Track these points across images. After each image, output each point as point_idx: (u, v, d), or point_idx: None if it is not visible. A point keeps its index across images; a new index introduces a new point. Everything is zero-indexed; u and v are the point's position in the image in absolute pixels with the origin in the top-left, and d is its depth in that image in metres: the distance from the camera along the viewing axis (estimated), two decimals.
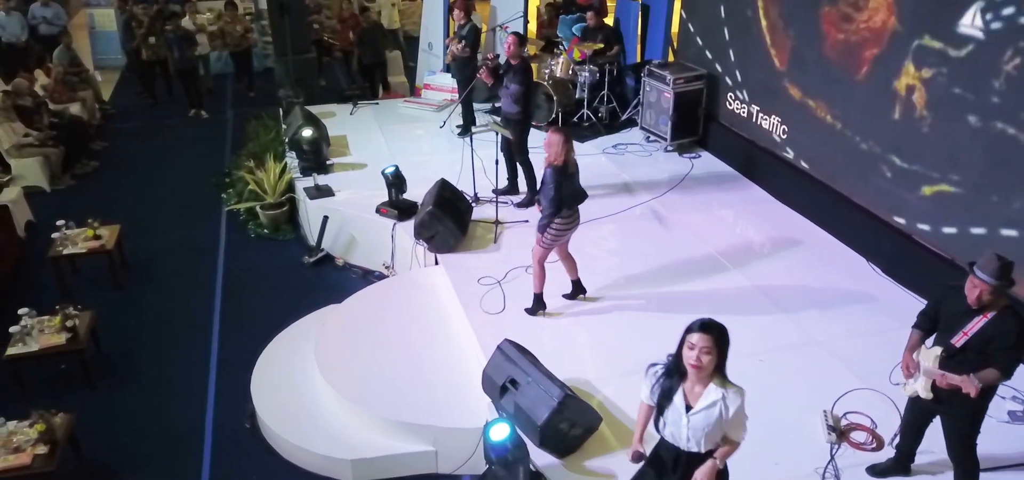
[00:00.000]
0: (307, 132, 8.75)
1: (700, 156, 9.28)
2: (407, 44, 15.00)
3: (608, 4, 11.72)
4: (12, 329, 6.14)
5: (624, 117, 10.35)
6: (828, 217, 7.43)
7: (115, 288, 7.71)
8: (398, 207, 7.72)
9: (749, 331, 5.93)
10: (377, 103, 11.38)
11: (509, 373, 4.82)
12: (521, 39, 7.85)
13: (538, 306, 6.15)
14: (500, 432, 4.32)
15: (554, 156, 5.68)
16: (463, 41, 9.59)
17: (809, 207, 7.66)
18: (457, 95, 11.00)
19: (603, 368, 5.51)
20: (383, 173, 7.74)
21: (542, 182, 5.78)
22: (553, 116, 9.97)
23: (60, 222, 7.74)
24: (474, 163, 7.97)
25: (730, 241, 7.33)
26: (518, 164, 8.02)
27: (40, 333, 6.20)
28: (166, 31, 12.38)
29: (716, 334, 3.29)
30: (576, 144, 9.61)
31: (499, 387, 4.83)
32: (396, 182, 7.71)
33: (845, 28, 7.01)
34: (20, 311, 6.29)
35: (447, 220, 7.01)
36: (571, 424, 4.59)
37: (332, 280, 7.89)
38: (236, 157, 10.36)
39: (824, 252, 7.12)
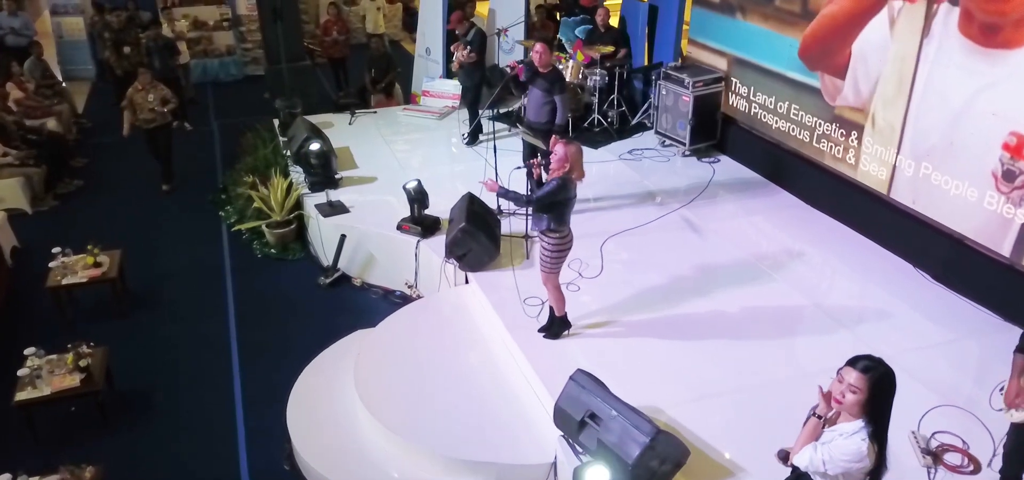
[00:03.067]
0: (315, 145, 8.32)
1: (719, 160, 9.07)
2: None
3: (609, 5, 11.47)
4: (20, 372, 5.63)
5: (634, 122, 10.10)
6: (865, 221, 7.26)
7: (119, 318, 7.19)
8: (421, 223, 7.35)
9: (812, 348, 5.72)
10: (375, 112, 10.95)
11: (588, 406, 4.50)
12: (550, 44, 7.54)
13: (562, 327, 5.82)
14: (599, 477, 4.00)
15: (571, 168, 5.23)
16: (469, 47, 9.24)
17: (844, 211, 7.48)
18: (458, 101, 10.71)
19: (672, 393, 5.21)
20: (405, 188, 7.35)
21: (541, 185, 5.28)
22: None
23: (56, 249, 7.20)
24: (497, 173, 7.63)
25: (769, 250, 7.11)
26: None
27: (50, 374, 5.70)
28: (146, 40, 11.76)
29: (872, 379, 3.01)
30: (590, 151, 9.47)
31: (577, 422, 4.51)
32: (419, 197, 7.33)
33: None
34: (26, 351, 5.79)
35: (481, 236, 6.66)
36: (661, 460, 4.29)
37: (352, 302, 7.48)
38: (231, 171, 9.87)
39: (867, 258, 6.93)
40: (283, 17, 10.32)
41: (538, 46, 7.29)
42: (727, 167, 8.92)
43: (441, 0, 10.94)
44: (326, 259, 7.92)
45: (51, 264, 7.05)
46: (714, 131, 9.14)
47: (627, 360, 5.58)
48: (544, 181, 5.57)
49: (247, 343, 6.85)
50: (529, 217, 6.57)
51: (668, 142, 9.39)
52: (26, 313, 7.33)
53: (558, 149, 5.30)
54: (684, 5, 9.81)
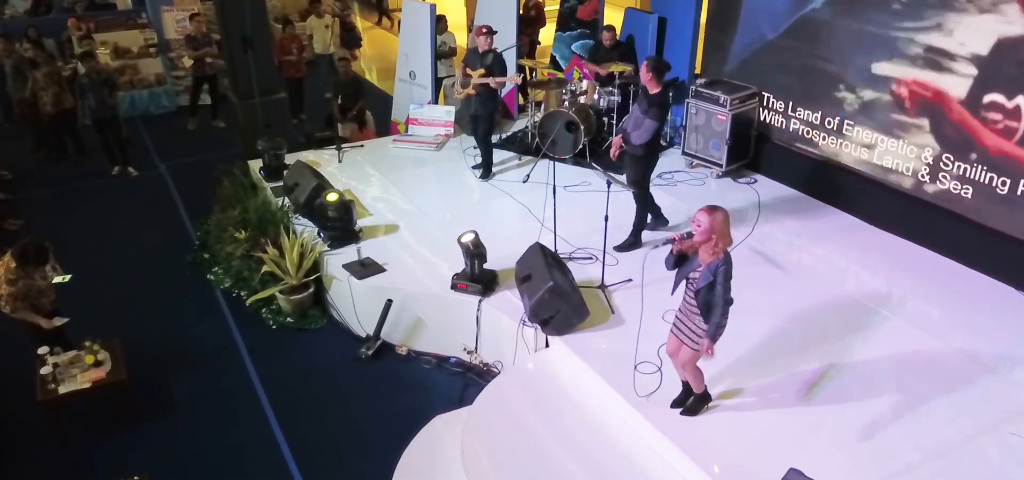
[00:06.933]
0: (333, 196, 7.25)
1: (756, 180, 8.59)
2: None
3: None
4: None
5: None
6: (942, 240, 6.92)
7: (128, 428, 5.91)
8: (480, 280, 6.46)
9: (968, 398, 5.23)
10: (362, 145, 9.85)
11: None
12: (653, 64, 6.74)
13: (702, 403, 5.12)
14: None
15: (725, 241, 4.47)
16: (492, 72, 8.32)
17: (916, 231, 7.13)
18: (451, 129, 9.87)
19: (857, 475, 4.59)
20: (460, 241, 6.44)
21: (712, 284, 4.47)
22: (580, 147, 8.96)
23: (42, 350, 5.85)
24: (556, 217, 6.85)
25: (860, 283, 6.63)
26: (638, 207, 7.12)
27: None
28: (81, 74, 10.18)
29: None
30: (616, 177, 8.74)
31: None
32: (477, 251, 6.43)
33: None
34: None
35: (571, 295, 5.86)
36: None
37: (406, 374, 6.49)
38: (204, 223, 8.57)
39: (962, 284, 6.57)
40: (255, 45, 9.05)
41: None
42: (766, 187, 8.45)
43: (428, 20, 9.97)
44: (359, 326, 6.89)
45: (42, 371, 5.69)
46: (748, 149, 8.66)
47: (784, 436, 4.92)
48: (687, 255, 4.65)
49: (300, 442, 5.75)
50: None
51: (696, 162, 8.84)
52: (6, 432, 5.92)
53: (718, 219, 4.43)
54: (699, 16, 9.28)
